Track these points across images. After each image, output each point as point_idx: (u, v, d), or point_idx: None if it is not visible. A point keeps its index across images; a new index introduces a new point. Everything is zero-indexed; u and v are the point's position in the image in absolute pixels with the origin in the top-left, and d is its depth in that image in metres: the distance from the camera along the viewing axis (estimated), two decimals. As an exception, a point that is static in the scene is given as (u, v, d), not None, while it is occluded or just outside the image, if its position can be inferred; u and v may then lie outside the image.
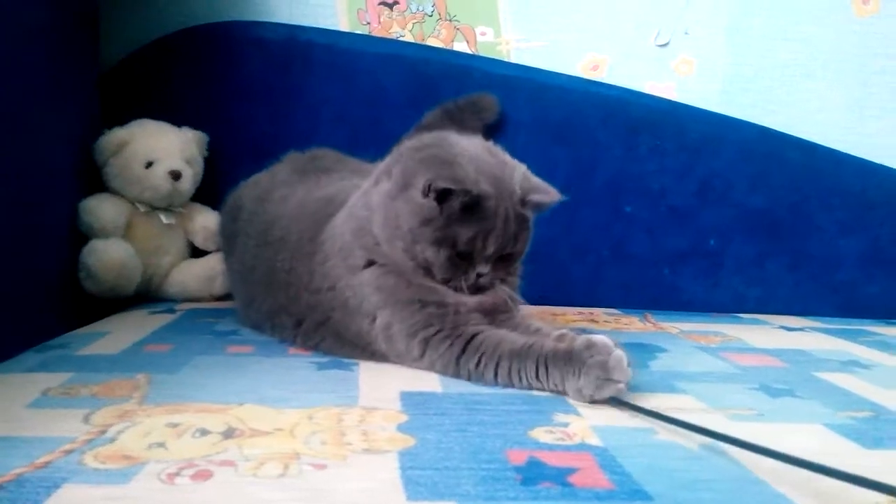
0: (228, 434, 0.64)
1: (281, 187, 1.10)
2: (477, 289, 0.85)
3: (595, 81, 1.50)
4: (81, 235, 1.21)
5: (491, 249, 0.83)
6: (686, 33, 1.52)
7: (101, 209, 1.22)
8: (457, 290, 0.84)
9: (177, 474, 0.55)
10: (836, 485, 0.59)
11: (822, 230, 1.52)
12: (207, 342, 0.98)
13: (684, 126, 1.49)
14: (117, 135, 1.26)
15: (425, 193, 0.81)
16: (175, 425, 0.66)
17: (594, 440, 0.67)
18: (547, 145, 1.46)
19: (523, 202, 0.84)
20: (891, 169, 1.55)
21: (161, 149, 1.27)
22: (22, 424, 0.65)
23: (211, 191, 1.39)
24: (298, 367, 0.88)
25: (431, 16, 1.48)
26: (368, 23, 1.47)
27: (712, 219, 1.49)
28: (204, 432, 0.64)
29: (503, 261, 0.86)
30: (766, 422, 0.75)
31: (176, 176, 1.26)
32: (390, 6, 1.47)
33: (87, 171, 1.27)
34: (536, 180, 0.87)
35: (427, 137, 0.90)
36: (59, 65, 1.19)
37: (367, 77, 1.42)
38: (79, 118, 1.27)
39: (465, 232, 0.81)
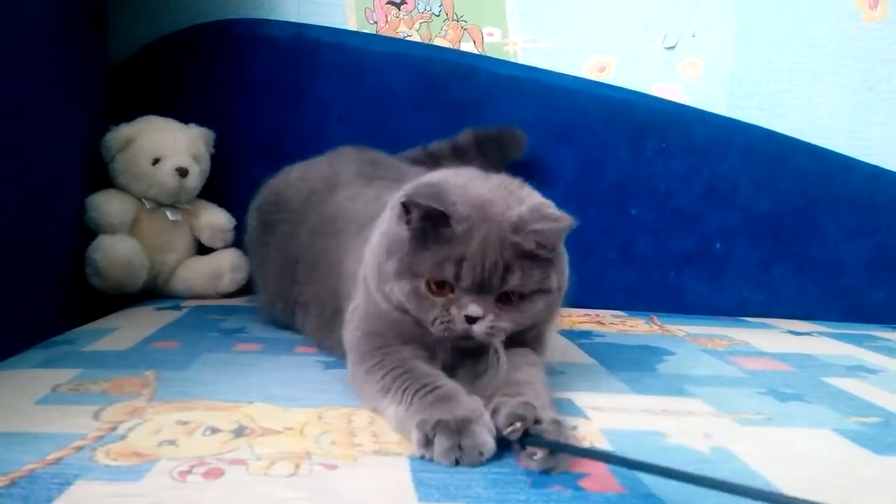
0: (239, 432, 0.64)
1: (349, 186, 1.04)
2: (466, 336, 0.70)
3: (602, 83, 1.50)
4: (88, 231, 1.22)
5: (467, 280, 0.68)
6: (693, 36, 1.52)
7: (108, 205, 1.22)
8: (445, 334, 0.70)
9: (188, 472, 0.55)
10: (846, 490, 0.59)
11: (827, 235, 1.52)
12: (214, 339, 0.98)
13: (691, 128, 1.49)
14: (124, 131, 1.26)
15: (399, 217, 0.71)
16: (185, 423, 0.66)
17: (603, 444, 0.67)
18: (553, 146, 1.46)
19: (516, 229, 0.69)
20: (896, 174, 1.55)
21: (168, 145, 1.27)
22: (31, 420, 0.65)
23: (217, 188, 1.39)
24: (306, 365, 0.88)
25: (439, 16, 1.48)
26: (376, 22, 1.47)
27: (718, 222, 1.49)
28: (214, 430, 0.64)
29: (505, 303, 0.70)
30: (775, 426, 0.75)
31: (183, 173, 1.26)
32: (398, 6, 1.47)
33: (95, 167, 1.27)
34: (550, 211, 0.72)
35: (431, 174, 0.80)
36: (68, 62, 1.19)
37: (375, 76, 1.42)
38: (86, 115, 1.27)
39: (431, 256, 0.69)
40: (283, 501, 0.52)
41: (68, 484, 0.52)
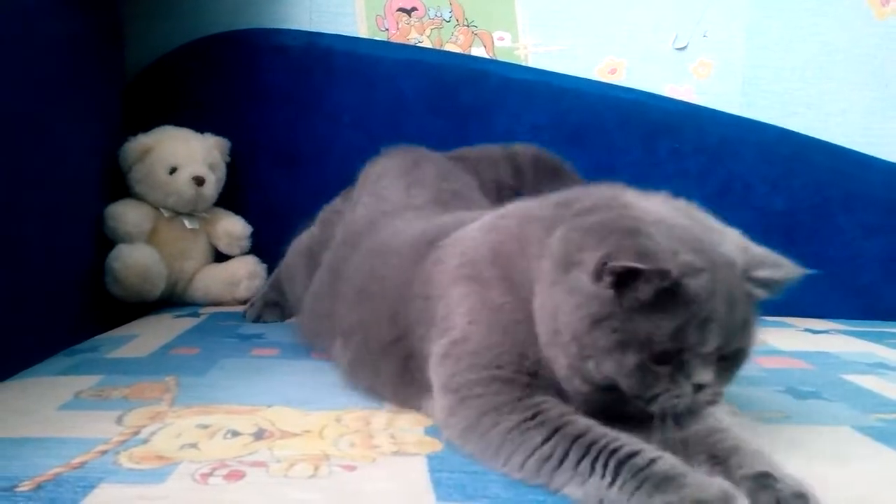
0: (259, 435, 0.65)
1: (416, 211, 0.91)
2: (691, 410, 0.58)
3: (613, 85, 1.50)
4: (107, 241, 1.23)
5: (713, 344, 0.55)
6: (704, 36, 1.51)
7: (127, 215, 1.24)
8: (663, 416, 0.56)
9: (210, 474, 0.56)
10: (867, 488, 0.59)
11: (844, 232, 1.51)
12: (233, 345, 0.99)
13: (703, 129, 1.49)
14: (141, 141, 1.28)
15: (598, 276, 0.55)
16: (206, 427, 0.67)
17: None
18: (565, 149, 1.45)
19: (749, 278, 0.59)
20: (915, 171, 1.53)
21: (184, 155, 1.29)
22: (55, 426, 0.67)
23: (233, 196, 1.40)
24: (322, 370, 0.88)
25: (449, 21, 1.49)
26: (387, 29, 1.48)
27: (733, 221, 1.44)
28: (235, 433, 0.65)
29: (726, 366, 0.58)
30: (794, 424, 0.74)
31: (199, 181, 1.28)
32: (408, 12, 1.48)
33: (113, 177, 1.29)
34: (760, 250, 0.63)
35: (595, 195, 0.65)
36: (84, 74, 1.22)
37: (386, 83, 1.43)
38: (104, 126, 1.29)
39: (665, 324, 0.55)
40: (302, 502, 0.52)
41: (93, 487, 0.53)
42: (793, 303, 1.55)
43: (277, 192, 1.40)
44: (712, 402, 0.58)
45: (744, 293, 0.58)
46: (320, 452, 0.61)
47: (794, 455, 0.65)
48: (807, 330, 1.30)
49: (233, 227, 1.34)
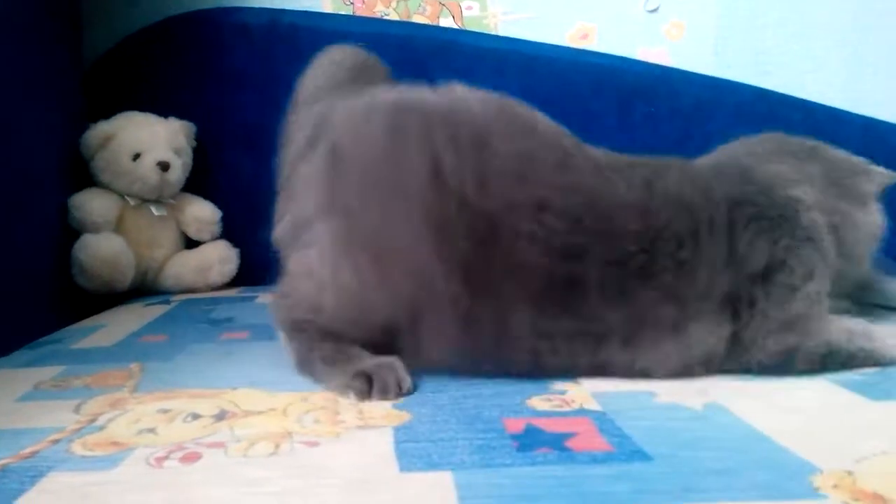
0: (220, 417, 0.63)
1: None
2: None
3: (585, 50, 1.47)
4: (73, 231, 1.20)
5: None
6: (676, -4, 1.49)
7: (91, 204, 1.21)
8: None
9: (165, 458, 0.54)
10: (841, 438, 0.58)
11: (823, 190, 1.50)
12: (202, 330, 0.97)
13: (678, 91, 1.47)
14: (102, 128, 1.25)
15: None
16: (166, 411, 0.65)
17: (593, 405, 0.65)
18: (539, 118, 1.43)
19: None
20: (891, 125, 1.52)
21: (147, 140, 1.26)
22: (10, 417, 0.64)
23: (202, 180, 1.37)
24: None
25: (415, -8, 1.45)
26: (352, 3, 1.44)
27: (711, 184, 1.47)
28: (195, 416, 0.63)
29: None
30: (771, 378, 0.73)
31: (164, 167, 1.25)
32: (373, -16, 1.44)
33: (76, 166, 1.26)
34: None
35: None
36: (42, 60, 1.18)
37: (353, 58, 1.40)
38: (64, 114, 1.26)
39: None
40: (260, 481, 0.50)
41: (41, 476, 0.51)
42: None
43: (246, 174, 1.36)
44: None
45: None
46: (283, 430, 0.59)
47: (767, 409, 0.64)
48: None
49: (202, 212, 1.31)
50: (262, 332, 0.94)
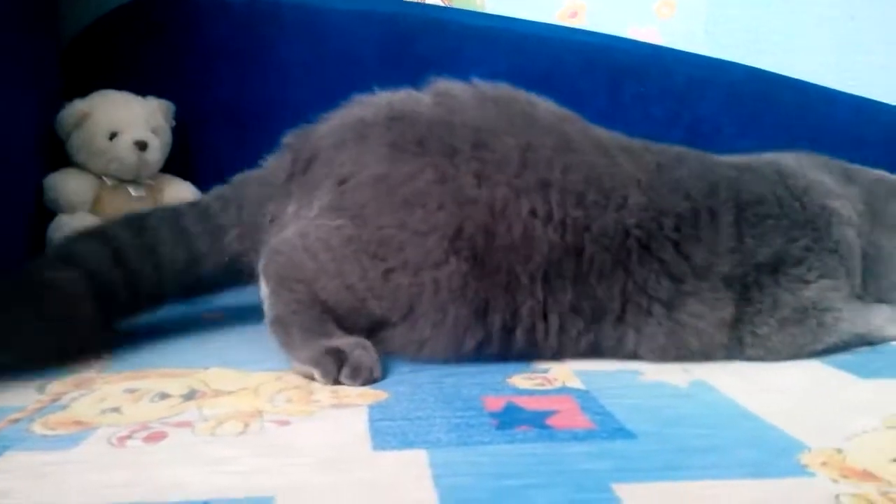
0: (189, 396, 0.60)
1: None
2: None
3: (575, 28, 1.44)
4: (48, 212, 1.17)
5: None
6: (667, -27, 1.46)
7: (66, 184, 1.18)
8: None
9: (128, 437, 0.52)
10: (830, 416, 0.56)
11: (814, 171, 1.48)
12: (179, 310, 0.94)
13: (669, 70, 1.44)
14: (78, 107, 1.21)
15: None
16: (134, 391, 0.62)
17: (576, 383, 0.63)
18: (528, 97, 1.41)
19: None
20: (882, 104, 1.50)
21: (125, 119, 1.22)
22: (-29, 398, 0.62)
23: (181, 160, 1.34)
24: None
25: (402, -31, 1.42)
26: (337, -22, 1.41)
27: (701, 165, 1.45)
28: (163, 396, 0.61)
29: None
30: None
31: (142, 146, 1.21)
32: (358, -41, 1.40)
33: (52, 146, 1.22)
34: None
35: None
36: (18, 38, 1.14)
37: (338, 36, 1.36)
38: (40, 93, 1.22)
39: None
40: (227, 460, 0.48)
41: (-3, 455, 0.49)
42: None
43: (227, 155, 1.31)
44: None
45: None
46: (253, 409, 0.57)
47: (754, 387, 0.62)
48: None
49: (181, 193, 1.28)
50: (239, 314, 0.92)
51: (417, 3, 1.42)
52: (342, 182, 0.73)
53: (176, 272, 0.78)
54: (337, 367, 0.62)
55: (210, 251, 0.79)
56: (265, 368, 0.68)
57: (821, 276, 0.71)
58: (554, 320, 0.68)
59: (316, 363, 0.63)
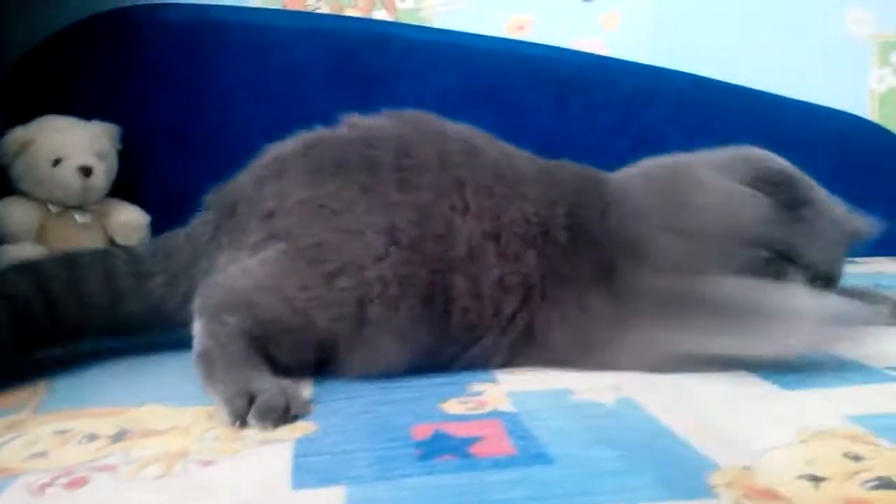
0: (118, 437, 0.60)
1: None
2: None
3: (521, 41, 1.47)
4: (-9, 243, 1.16)
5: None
6: (610, -15, 1.48)
7: (9, 213, 1.17)
8: None
9: (50, 484, 0.51)
10: (746, 430, 0.58)
11: (761, 176, 1.51)
12: (119, 346, 0.93)
13: (615, 81, 1.47)
14: (19, 134, 1.20)
15: None
16: (64, 432, 0.62)
17: (507, 406, 0.64)
18: (475, 111, 1.37)
19: None
20: (827, 109, 1.55)
21: (68, 145, 1.21)
22: None
23: (129, 184, 1.33)
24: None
25: (347, -15, 1.42)
26: (282, -4, 1.41)
27: (650, 173, 1.47)
28: (92, 437, 0.60)
29: None
30: (686, 371, 0.73)
31: (86, 172, 1.20)
32: (303, -23, 1.41)
33: (-6, 174, 1.21)
34: None
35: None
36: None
37: (284, 53, 1.37)
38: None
39: None
40: (145, 504, 0.48)
41: None
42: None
43: (175, 177, 1.33)
44: None
45: None
46: (180, 450, 0.57)
47: (676, 403, 0.64)
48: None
49: (129, 218, 1.27)
50: (182, 344, 0.91)
51: (363, 19, 1.43)
52: (269, 216, 0.75)
53: (99, 308, 0.80)
54: (246, 408, 0.61)
55: (134, 292, 0.81)
56: (199, 403, 0.68)
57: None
58: (487, 300, 0.73)
59: (226, 402, 0.62)
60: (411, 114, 0.84)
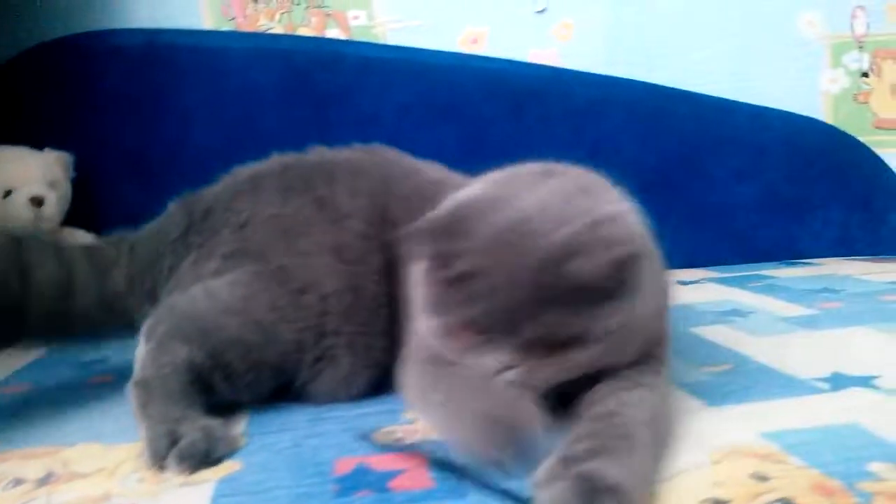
0: (44, 481, 0.60)
1: None
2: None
3: (476, 55, 1.48)
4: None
5: (475, 330, 0.58)
6: (562, -3, 1.49)
7: (-39, 246, 1.16)
8: None
9: (-33, 536, 0.52)
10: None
11: (717, 180, 1.53)
12: (70, 376, 0.93)
13: (570, 91, 1.48)
14: (-31, 166, 1.19)
15: None
16: (-8, 478, 0.62)
17: (435, 434, 0.65)
18: (433, 126, 1.43)
19: (544, 264, 0.55)
20: (779, 111, 1.56)
21: (19, 175, 1.21)
22: None
23: (87, 212, 1.33)
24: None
25: (299, 4, 1.43)
26: (234, 17, 1.41)
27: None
28: (18, 482, 0.60)
29: (538, 349, 0.57)
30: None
31: (38, 202, 1.20)
32: (254, -2, 1.41)
33: (-56, 207, 1.20)
34: (604, 234, 0.56)
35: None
36: None
37: (237, 75, 1.37)
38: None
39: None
40: (58, 555, 0.49)
41: None
42: (674, 254, 1.57)
43: (133, 203, 1.30)
44: (524, 384, 0.58)
45: (532, 282, 0.55)
46: (102, 493, 0.57)
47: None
48: (678, 282, 1.31)
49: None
50: (129, 374, 0.91)
51: (314, 38, 1.43)
52: (242, 227, 0.79)
53: (49, 297, 0.76)
54: (167, 450, 0.61)
55: (90, 284, 0.79)
56: (132, 440, 0.68)
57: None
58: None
59: (149, 442, 0.62)
60: (375, 147, 0.89)
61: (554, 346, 0.56)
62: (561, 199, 0.59)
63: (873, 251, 1.52)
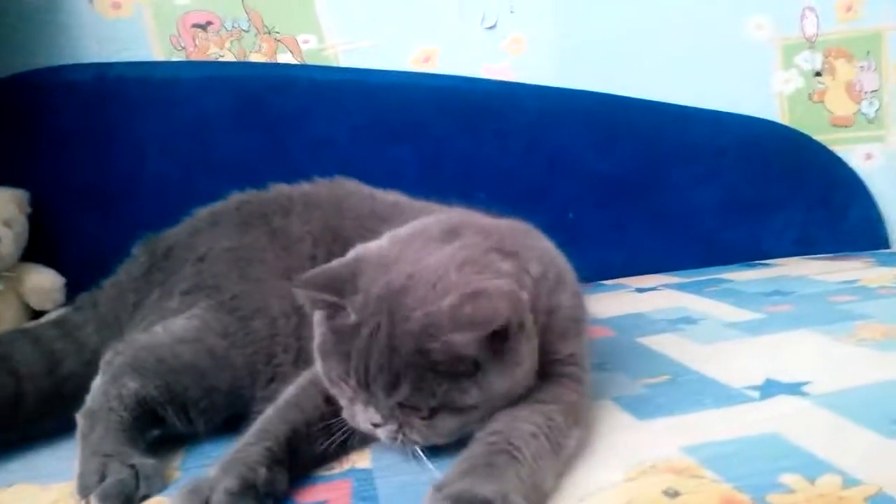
0: (-29, 529, 0.61)
1: None
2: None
3: (428, 74, 1.48)
4: None
5: (353, 381, 0.60)
6: (512, 12, 1.51)
7: (-85, 289, 1.16)
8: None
9: None
10: (579, 471, 0.59)
11: (677, 185, 1.54)
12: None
13: (524, 105, 1.49)
14: (-78, 208, 1.19)
15: None
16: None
17: (365, 462, 0.65)
18: (389, 146, 1.43)
19: (421, 333, 0.57)
20: (735, 115, 1.57)
21: (-28, 215, 1.21)
22: None
23: (47, 247, 1.33)
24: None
25: (248, 31, 1.44)
26: (184, 47, 1.42)
27: (566, 192, 1.49)
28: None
29: (415, 412, 0.60)
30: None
31: (-8, 241, 1.20)
32: (203, 27, 1.42)
33: None
34: (473, 311, 0.57)
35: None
36: None
37: (188, 104, 1.38)
38: None
39: (335, 344, 0.63)
40: None
41: None
42: (637, 261, 1.59)
43: (89, 237, 1.33)
44: (402, 443, 0.62)
45: (406, 349, 0.58)
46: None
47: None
48: (637, 290, 1.32)
49: (42, 282, 1.27)
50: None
51: (265, 64, 1.44)
52: (200, 260, 0.85)
53: (38, 377, 0.79)
54: (94, 486, 0.62)
55: (68, 350, 0.83)
56: (68, 479, 0.68)
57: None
58: None
59: (79, 476, 0.63)
60: (336, 179, 0.95)
61: (425, 410, 0.59)
62: (454, 266, 0.61)
63: (836, 247, 1.52)
